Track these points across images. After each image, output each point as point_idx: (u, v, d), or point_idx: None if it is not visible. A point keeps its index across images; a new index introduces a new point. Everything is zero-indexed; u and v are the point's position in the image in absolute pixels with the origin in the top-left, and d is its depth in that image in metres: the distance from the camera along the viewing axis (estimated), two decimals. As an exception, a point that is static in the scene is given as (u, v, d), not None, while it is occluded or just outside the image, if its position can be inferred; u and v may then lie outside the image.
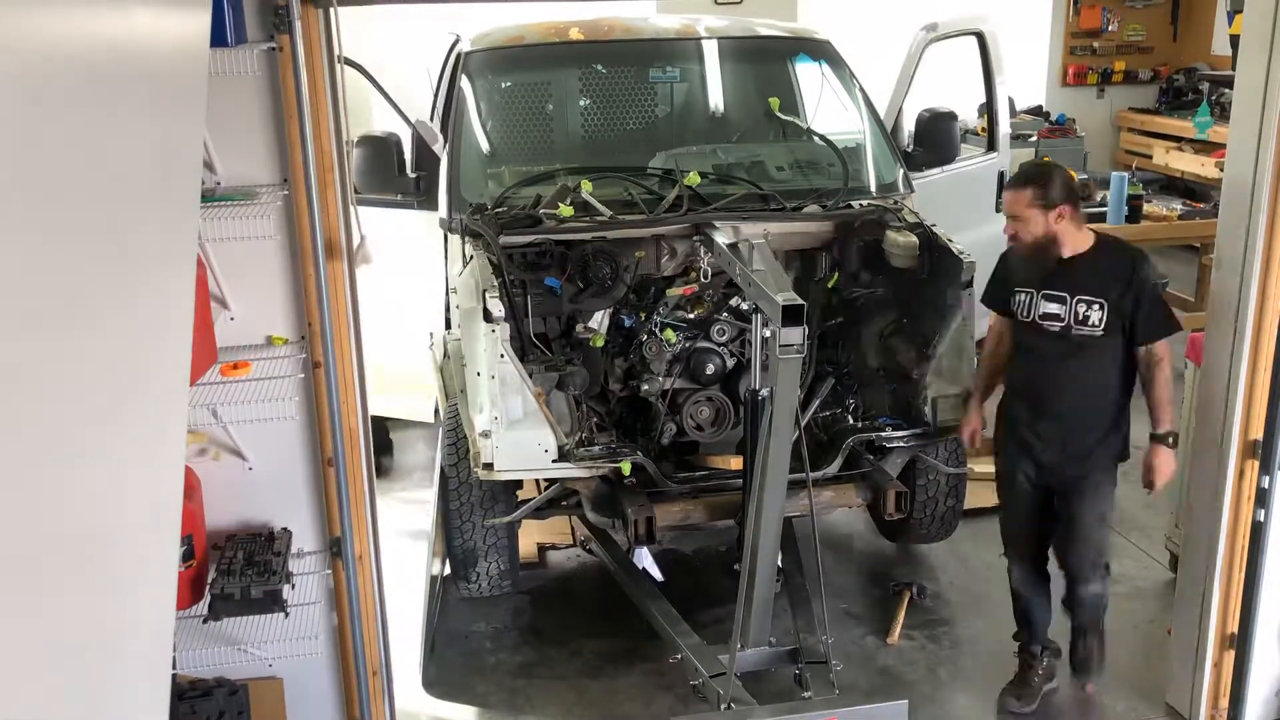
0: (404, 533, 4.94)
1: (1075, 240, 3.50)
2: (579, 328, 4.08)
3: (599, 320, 4.09)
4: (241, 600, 2.95)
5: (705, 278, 4.02)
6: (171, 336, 1.71)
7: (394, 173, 4.78)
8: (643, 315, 4.10)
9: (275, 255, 3.03)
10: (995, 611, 4.26)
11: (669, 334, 4.02)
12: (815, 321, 4.28)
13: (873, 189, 4.58)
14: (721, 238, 3.81)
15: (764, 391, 3.27)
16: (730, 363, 4.06)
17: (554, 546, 4.88)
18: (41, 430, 1.13)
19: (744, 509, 3.57)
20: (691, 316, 4.11)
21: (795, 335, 3.04)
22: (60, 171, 1.21)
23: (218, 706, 3.10)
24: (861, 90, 4.94)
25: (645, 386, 4.00)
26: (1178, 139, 9.41)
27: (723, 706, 3.44)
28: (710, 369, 4.03)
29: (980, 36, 5.66)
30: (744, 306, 3.44)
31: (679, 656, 3.75)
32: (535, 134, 4.95)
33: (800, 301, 3.06)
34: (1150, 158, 9.46)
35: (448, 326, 4.85)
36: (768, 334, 3.15)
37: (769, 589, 3.54)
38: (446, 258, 4.66)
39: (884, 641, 4.20)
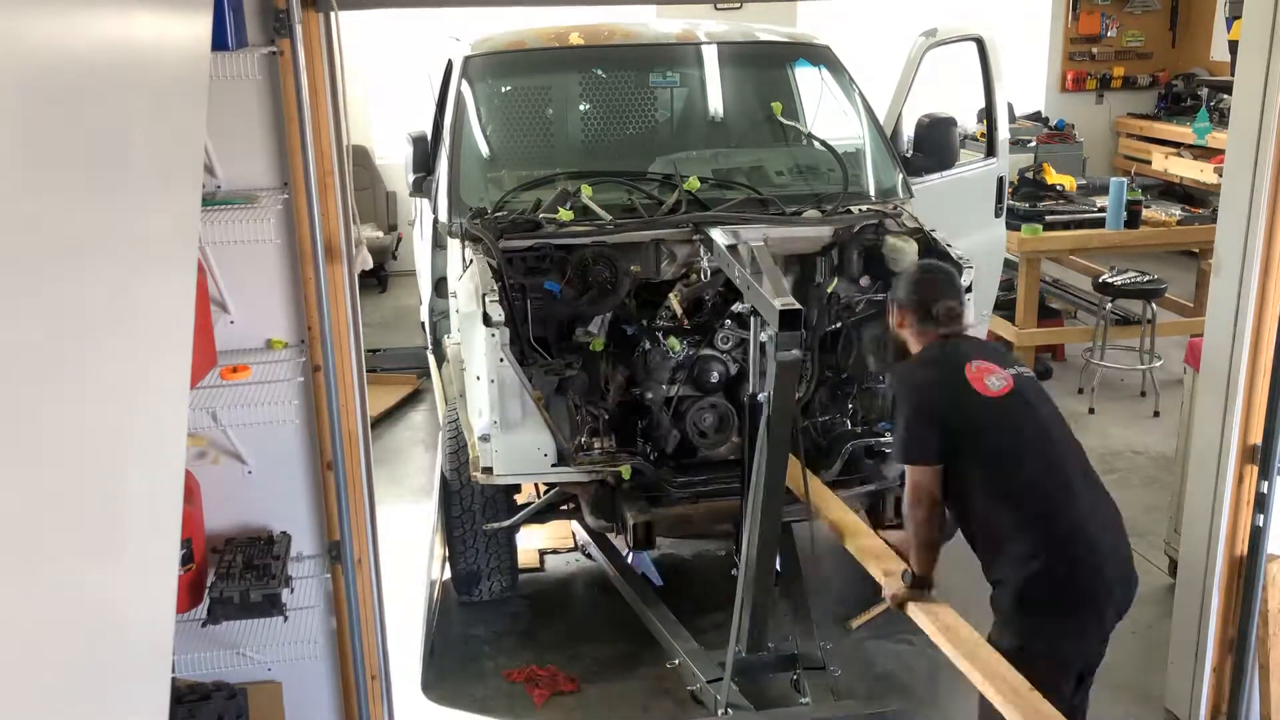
0: (403, 537, 4.93)
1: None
2: (578, 332, 4.08)
3: (598, 324, 4.09)
4: (240, 604, 2.95)
5: (705, 277, 4.02)
6: (172, 340, 1.71)
7: None
8: (645, 322, 4.09)
9: (275, 259, 3.03)
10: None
11: (673, 341, 4.02)
12: (816, 326, 4.28)
13: (872, 194, 4.59)
14: (721, 238, 3.81)
15: (761, 396, 3.27)
16: (734, 370, 4.06)
17: (554, 551, 4.88)
18: (41, 432, 1.13)
19: (741, 514, 3.57)
20: (690, 324, 4.11)
21: (793, 340, 3.03)
22: (60, 174, 1.21)
23: (216, 710, 3.10)
24: (861, 96, 4.95)
25: (649, 394, 4.00)
26: (1176, 144, 9.42)
27: (720, 712, 3.44)
28: (715, 377, 4.02)
29: (980, 42, 5.66)
30: (741, 308, 3.43)
31: (676, 661, 3.75)
32: (535, 138, 4.96)
33: (798, 306, 3.05)
34: (1149, 163, 9.47)
35: (448, 331, 4.86)
36: (765, 338, 3.15)
37: (767, 594, 3.53)
38: (447, 261, 4.67)
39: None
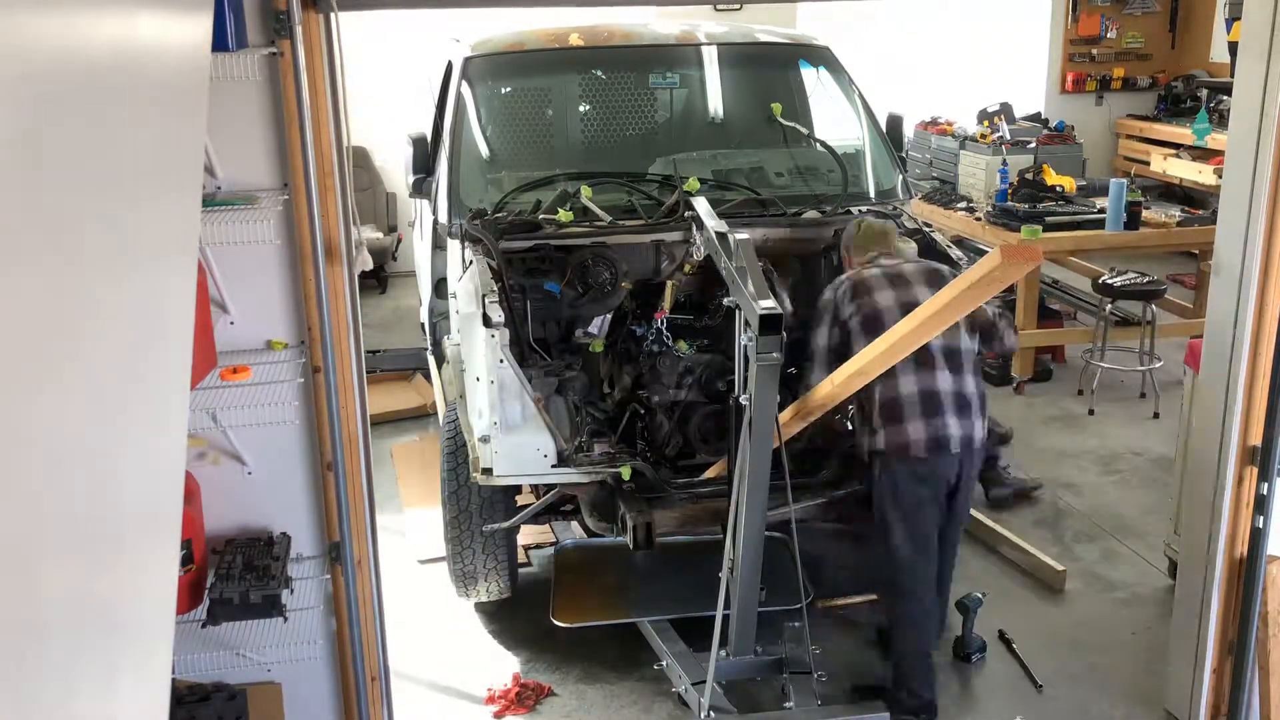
0: (404, 538, 4.93)
1: None
2: (578, 333, 4.07)
3: (598, 325, 4.09)
4: (240, 605, 2.94)
5: (695, 256, 4.00)
6: (172, 340, 1.71)
7: None
8: (658, 325, 4.07)
9: (275, 259, 3.03)
10: (995, 617, 4.26)
11: (681, 345, 4.00)
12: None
13: (872, 195, 4.59)
14: (711, 223, 3.78)
15: (744, 398, 3.26)
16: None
17: (537, 546, 4.85)
18: (41, 433, 1.13)
19: (727, 516, 3.57)
20: (699, 326, 4.09)
21: (773, 344, 3.03)
22: (61, 175, 1.21)
23: (216, 711, 3.10)
24: (861, 96, 4.95)
25: (656, 398, 3.99)
26: (1176, 146, 9.42)
27: (702, 715, 3.45)
28: (722, 385, 4.01)
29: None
30: (729, 302, 3.42)
31: (665, 663, 3.76)
32: (535, 139, 4.96)
33: (779, 310, 3.04)
34: (1148, 164, 9.47)
35: (447, 332, 4.86)
36: (746, 341, 3.14)
37: (752, 597, 3.53)
38: (447, 263, 4.67)
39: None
